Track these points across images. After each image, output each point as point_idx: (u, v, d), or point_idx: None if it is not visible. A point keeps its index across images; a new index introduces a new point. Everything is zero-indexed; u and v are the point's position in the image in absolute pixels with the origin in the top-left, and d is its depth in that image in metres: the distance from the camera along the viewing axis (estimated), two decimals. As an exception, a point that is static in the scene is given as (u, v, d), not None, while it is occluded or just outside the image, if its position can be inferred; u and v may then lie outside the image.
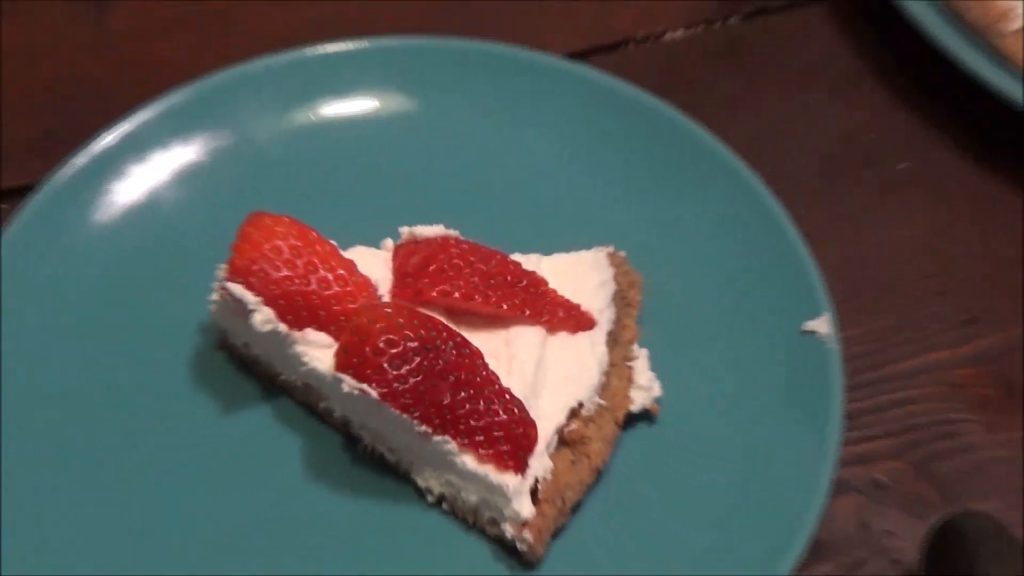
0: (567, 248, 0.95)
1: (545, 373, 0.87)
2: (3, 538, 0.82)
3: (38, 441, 0.87)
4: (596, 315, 0.91)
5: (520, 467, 0.82)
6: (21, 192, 0.97)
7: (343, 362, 0.82)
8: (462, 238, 0.91)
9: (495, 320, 0.88)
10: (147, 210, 0.98)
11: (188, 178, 1.00)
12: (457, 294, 0.87)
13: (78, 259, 0.96)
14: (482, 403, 0.82)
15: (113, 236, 0.97)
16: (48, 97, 1.10)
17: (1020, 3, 1.05)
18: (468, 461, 0.82)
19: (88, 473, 0.86)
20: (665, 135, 1.02)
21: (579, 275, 0.93)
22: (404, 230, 0.92)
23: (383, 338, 0.81)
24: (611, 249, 0.95)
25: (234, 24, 1.15)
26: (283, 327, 0.85)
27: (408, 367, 0.80)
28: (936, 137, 1.10)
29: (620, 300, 0.92)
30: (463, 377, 0.82)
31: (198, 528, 0.84)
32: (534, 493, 0.83)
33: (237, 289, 0.85)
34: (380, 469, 0.88)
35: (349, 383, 0.81)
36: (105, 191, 0.98)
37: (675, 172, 1.01)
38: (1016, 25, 1.04)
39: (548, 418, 0.85)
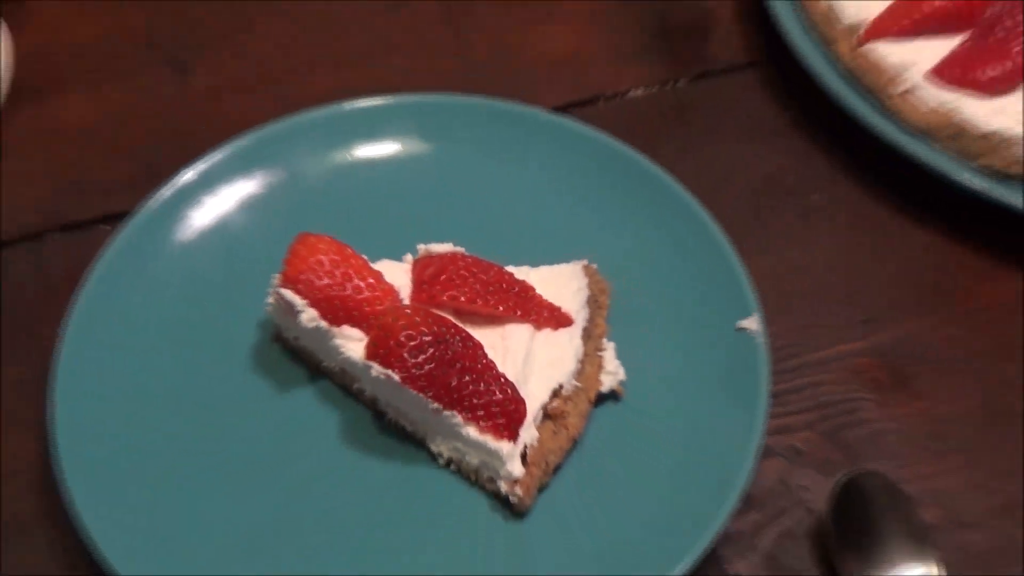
0: (550, 261, 0.94)
1: (532, 361, 0.86)
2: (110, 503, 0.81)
3: (134, 418, 0.87)
4: (573, 315, 0.90)
5: (513, 436, 0.81)
6: (123, 216, 0.96)
7: (372, 352, 0.82)
8: (467, 254, 0.91)
9: (493, 319, 0.87)
10: (217, 231, 0.98)
11: (249, 206, 0.99)
12: (463, 298, 0.86)
13: (164, 267, 0.95)
14: (482, 385, 0.81)
15: (191, 251, 0.96)
16: (145, 142, 1.09)
17: (905, 69, 1.03)
18: (471, 431, 0.81)
19: (179, 434, 0.86)
20: (630, 172, 1.01)
21: (560, 283, 0.92)
22: (421, 247, 0.92)
23: (403, 333, 0.80)
24: (586, 262, 0.94)
25: (288, 84, 1.15)
26: (324, 324, 0.85)
27: (423, 356, 0.80)
28: (842, 175, 1.09)
29: (593, 303, 0.91)
30: (467, 364, 0.81)
31: (261, 473, 0.85)
32: (524, 457, 0.82)
33: (288, 294, 0.84)
34: (401, 438, 0.87)
35: (376, 369, 0.81)
36: (185, 216, 0.97)
37: (638, 202, 0.99)
38: (902, 88, 1.03)
39: (535, 397, 0.84)
